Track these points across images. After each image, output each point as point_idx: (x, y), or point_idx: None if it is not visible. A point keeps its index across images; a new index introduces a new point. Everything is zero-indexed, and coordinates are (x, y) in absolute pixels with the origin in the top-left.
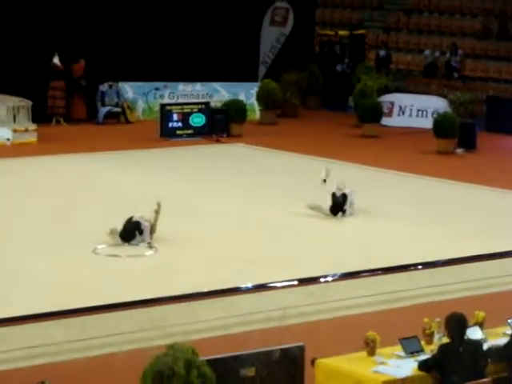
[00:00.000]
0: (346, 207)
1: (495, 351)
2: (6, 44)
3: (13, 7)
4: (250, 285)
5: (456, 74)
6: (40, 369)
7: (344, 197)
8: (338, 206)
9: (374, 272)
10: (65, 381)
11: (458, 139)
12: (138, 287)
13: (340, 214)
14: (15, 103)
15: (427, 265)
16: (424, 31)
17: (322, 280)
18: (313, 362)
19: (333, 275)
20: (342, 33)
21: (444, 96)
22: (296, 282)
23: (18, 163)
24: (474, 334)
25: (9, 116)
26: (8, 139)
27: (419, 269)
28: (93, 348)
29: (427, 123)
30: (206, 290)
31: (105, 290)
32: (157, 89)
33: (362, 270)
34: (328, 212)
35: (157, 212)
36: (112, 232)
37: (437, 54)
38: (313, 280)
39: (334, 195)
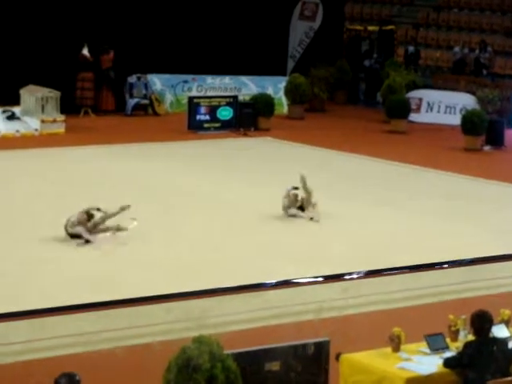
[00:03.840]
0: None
1: None
2: (35, 35)
3: None
4: (279, 280)
5: (485, 71)
6: (71, 358)
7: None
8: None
9: (400, 270)
10: (94, 371)
11: (485, 136)
12: (168, 280)
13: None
14: (44, 94)
15: (453, 263)
16: (453, 28)
17: (347, 277)
18: (337, 357)
19: (358, 272)
20: (371, 28)
21: (472, 93)
22: (321, 279)
23: (45, 153)
24: (499, 331)
25: (37, 106)
26: (36, 129)
27: (445, 267)
28: (125, 339)
29: (455, 120)
30: (234, 284)
31: (131, 282)
32: (185, 81)
33: (387, 267)
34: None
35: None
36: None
37: (466, 50)
38: (339, 277)
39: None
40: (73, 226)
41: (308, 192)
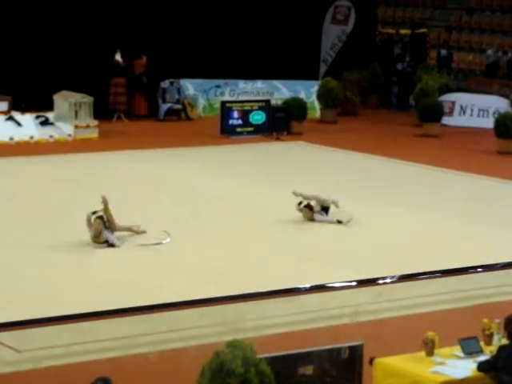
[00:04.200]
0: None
1: None
2: (68, 41)
3: (76, 5)
4: (312, 284)
5: None
6: (108, 363)
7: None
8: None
9: (433, 274)
10: (128, 375)
11: None
12: (200, 284)
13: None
14: (77, 99)
15: (487, 267)
16: (486, 30)
17: (380, 281)
18: (371, 361)
19: (391, 277)
20: (403, 31)
21: (505, 96)
22: (355, 283)
23: (79, 159)
24: None
25: (71, 112)
26: (70, 135)
27: (479, 271)
28: (159, 343)
29: (488, 123)
30: (266, 288)
31: (164, 287)
32: (217, 86)
33: (421, 271)
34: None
35: (104, 206)
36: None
37: (499, 53)
38: (372, 281)
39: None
40: (97, 237)
41: (315, 198)
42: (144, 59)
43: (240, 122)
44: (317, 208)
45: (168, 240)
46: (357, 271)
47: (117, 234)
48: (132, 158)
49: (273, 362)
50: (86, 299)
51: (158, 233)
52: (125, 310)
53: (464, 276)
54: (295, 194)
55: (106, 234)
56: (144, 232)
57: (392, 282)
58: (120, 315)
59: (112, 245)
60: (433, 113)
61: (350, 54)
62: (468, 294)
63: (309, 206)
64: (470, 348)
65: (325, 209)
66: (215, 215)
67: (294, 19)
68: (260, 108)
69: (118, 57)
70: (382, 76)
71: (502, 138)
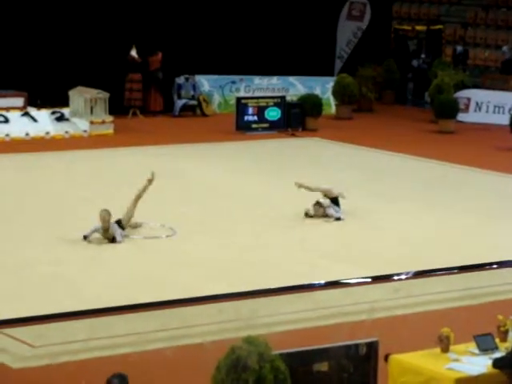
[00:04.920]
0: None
1: None
2: (84, 37)
3: (92, 0)
4: (327, 280)
5: None
6: (124, 358)
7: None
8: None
9: (449, 271)
10: (145, 370)
11: None
12: (215, 280)
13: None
14: (93, 95)
15: (502, 264)
16: (502, 27)
17: (396, 278)
18: (386, 357)
19: (407, 273)
20: (418, 28)
21: None
22: (370, 280)
23: (94, 155)
24: None
25: (86, 108)
26: (85, 131)
27: (494, 268)
28: (175, 338)
29: (504, 119)
30: (281, 284)
31: (180, 283)
32: (233, 82)
33: (436, 268)
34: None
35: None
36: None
37: None
38: (388, 277)
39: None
40: (106, 233)
41: (319, 189)
42: (159, 55)
43: (255, 118)
44: (326, 203)
45: (172, 234)
46: (371, 267)
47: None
48: (147, 154)
49: (288, 358)
50: (99, 295)
51: (165, 229)
52: (139, 305)
53: (479, 272)
54: (298, 185)
55: (114, 228)
56: (140, 225)
57: (407, 279)
58: (134, 311)
59: (114, 240)
60: (448, 109)
61: (366, 51)
62: (483, 290)
63: (318, 203)
64: (485, 345)
65: (334, 201)
66: (230, 211)
67: (310, 15)
68: (275, 104)
69: (133, 53)
70: (398, 72)
71: None
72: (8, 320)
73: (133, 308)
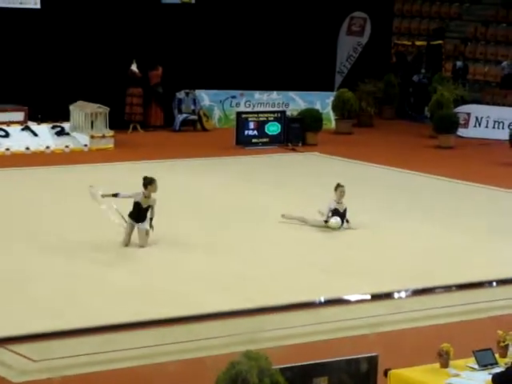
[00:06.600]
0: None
1: None
2: (84, 51)
3: (91, 16)
4: (328, 297)
5: None
6: (130, 371)
7: (345, 210)
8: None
9: (447, 288)
10: None
11: None
12: (218, 295)
13: (345, 224)
14: (93, 110)
15: (503, 282)
16: (502, 42)
17: (396, 295)
18: (386, 372)
19: (406, 290)
20: (418, 43)
21: None
22: (369, 297)
23: (95, 169)
24: None
25: (87, 122)
26: (85, 145)
27: (493, 286)
28: (178, 353)
29: (503, 135)
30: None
31: (184, 297)
32: (233, 97)
33: (435, 286)
34: (317, 223)
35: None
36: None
37: None
38: (388, 295)
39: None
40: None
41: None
42: (160, 70)
43: (255, 132)
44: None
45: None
46: (373, 283)
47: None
48: (147, 169)
49: (287, 372)
50: (104, 309)
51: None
52: (143, 323)
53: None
54: (285, 217)
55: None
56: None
57: (407, 297)
58: (139, 328)
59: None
60: (448, 124)
61: (366, 66)
62: (482, 305)
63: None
64: (484, 360)
65: (337, 213)
66: (230, 226)
67: (310, 30)
68: (275, 119)
69: (133, 67)
70: (397, 87)
71: None
72: (10, 337)
73: (137, 325)
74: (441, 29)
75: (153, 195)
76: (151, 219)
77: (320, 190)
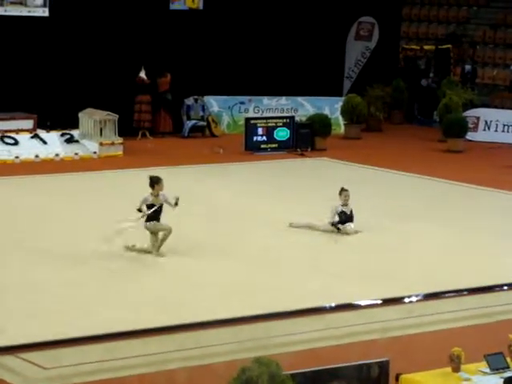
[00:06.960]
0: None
1: None
2: (93, 59)
3: (99, 23)
4: (341, 302)
5: None
6: (137, 379)
7: (351, 212)
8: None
9: (459, 292)
10: None
11: None
12: (226, 302)
13: (351, 228)
14: (102, 117)
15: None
16: (510, 46)
17: (407, 298)
18: (397, 377)
19: (417, 295)
20: (427, 47)
21: None
22: (379, 302)
23: (104, 176)
24: None
25: (96, 129)
26: (95, 152)
27: (504, 290)
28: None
29: None
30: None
31: (193, 305)
32: (242, 103)
33: (446, 290)
34: (326, 227)
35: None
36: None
37: None
38: (400, 298)
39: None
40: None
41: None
42: (168, 76)
43: (264, 138)
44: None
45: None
46: (383, 288)
47: None
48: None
49: (298, 378)
50: (113, 318)
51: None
52: (152, 330)
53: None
54: (292, 225)
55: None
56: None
57: (417, 301)
58: (148, 335)
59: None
60: (457, 128)
61: (374, 70)
62: (494, 309)
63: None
64: (496, 364)
65: (345, 216)
66: (240, 232)
67: (318, 36)
68: (284, 124)
69: (142, 74)
70: (406, 92)
71: None
72: (21, 345)
73: (144, 332)
74: (453, 34)
75: (161, 193)
76: (176, 203)
77: (329, 194)
